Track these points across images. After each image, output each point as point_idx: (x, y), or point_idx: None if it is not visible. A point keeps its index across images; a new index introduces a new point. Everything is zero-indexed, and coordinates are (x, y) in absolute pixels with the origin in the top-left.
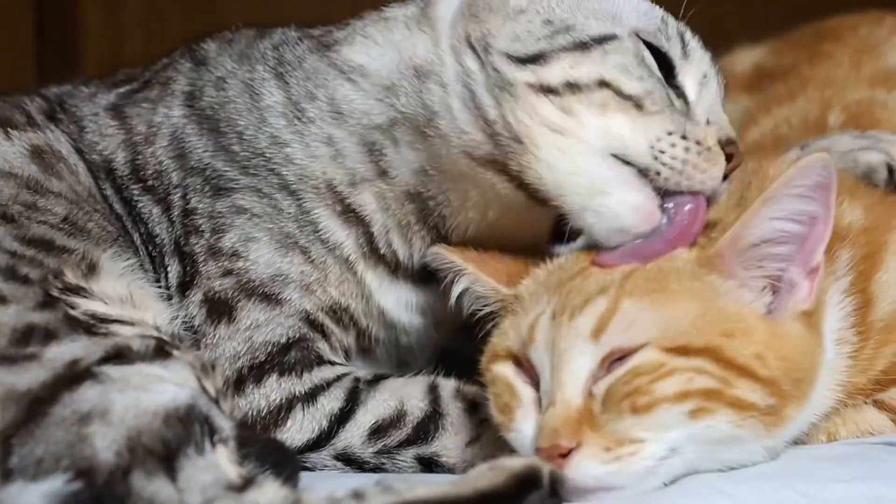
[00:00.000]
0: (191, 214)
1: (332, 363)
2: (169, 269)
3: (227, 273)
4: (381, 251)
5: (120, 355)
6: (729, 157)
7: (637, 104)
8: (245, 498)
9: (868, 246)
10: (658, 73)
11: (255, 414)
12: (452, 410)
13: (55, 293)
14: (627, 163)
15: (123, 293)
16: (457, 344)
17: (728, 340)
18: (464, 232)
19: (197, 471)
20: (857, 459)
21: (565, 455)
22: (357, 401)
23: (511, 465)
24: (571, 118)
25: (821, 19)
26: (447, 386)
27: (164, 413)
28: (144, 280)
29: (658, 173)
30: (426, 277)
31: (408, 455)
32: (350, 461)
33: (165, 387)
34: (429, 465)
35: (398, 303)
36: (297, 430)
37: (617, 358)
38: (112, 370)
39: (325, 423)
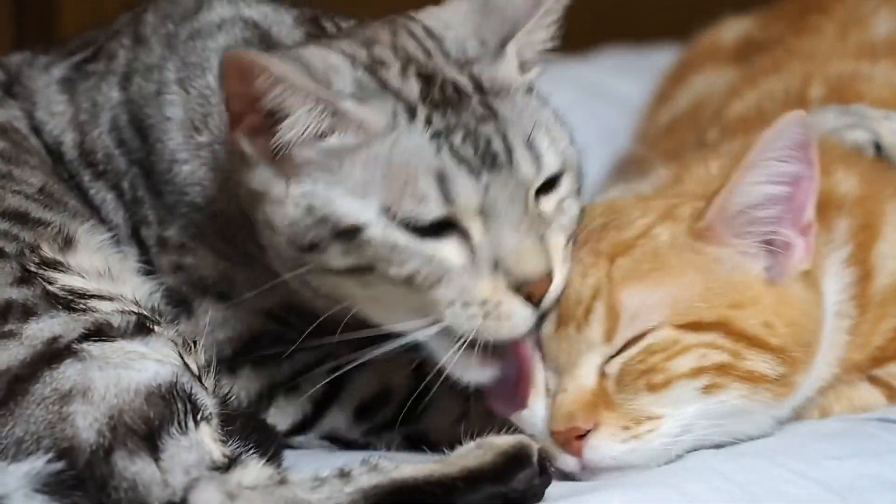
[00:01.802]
0: (138, 203)
1: (308, 348)
2: (128, 255)
3: (178, 268)
4: None
5: (100, 332)
6: (530, 296)
7: (409, 284)
8: (229, 477)
9: (865, 216)
10: (420, 246)
11: (236, 403)
12: (438, 388)
13: (32, 268)
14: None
15: (101, 266)
16: None
17: (737, 311)
18: None
19: (180, 450)
20: (851, 436)
21: (582, 436)
22: (340, 382)
23: (499, 443)
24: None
25: None
26: (432, 364)
27: (146, 391)
28: (122, 254)
29: (463, 336)
30: None
31: (395, 434)
32: (338, 442)
33: (147, 364)
34: (417, 443)
35: None
36: (280, 416)
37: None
38: (92, 347)
39: (308, 407)
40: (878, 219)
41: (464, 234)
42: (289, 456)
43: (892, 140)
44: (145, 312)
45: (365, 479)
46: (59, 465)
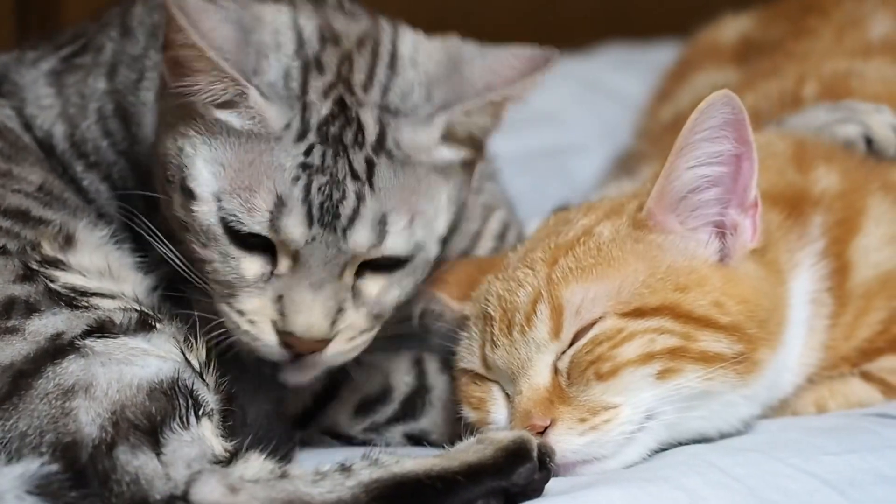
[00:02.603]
0: (129, 194)
1: None
2: (126, 246)
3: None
4: None
5: (103, 328)
6: (288, 344)
7: (203, 262)
8: (231, 471)
9: (844, 211)
10: (226, 246)
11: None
12: (439, 384)
13: (34, 266)
14: None
15: (101, 265)
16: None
17: (683, 294)
18: None
19: (182, 444)
20: (848, 431)
21: (541, 433)
22: (341, 378)
23: (499, 438)
24: None
25: None
26: (432, 360)
27: (148, 386)
28: (121, 251)
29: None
30: None
31: (396, 432)
32: (338, 437)
33: (149, 360)
34: (418, 441)
35: None
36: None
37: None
38: (95, 344)
39: (309, 401)
40: (858, 214)
41: (271, 261)
42: None
43: (882, 132)
44: (147, 310)
45: (366, 474)
46: (54, 468)
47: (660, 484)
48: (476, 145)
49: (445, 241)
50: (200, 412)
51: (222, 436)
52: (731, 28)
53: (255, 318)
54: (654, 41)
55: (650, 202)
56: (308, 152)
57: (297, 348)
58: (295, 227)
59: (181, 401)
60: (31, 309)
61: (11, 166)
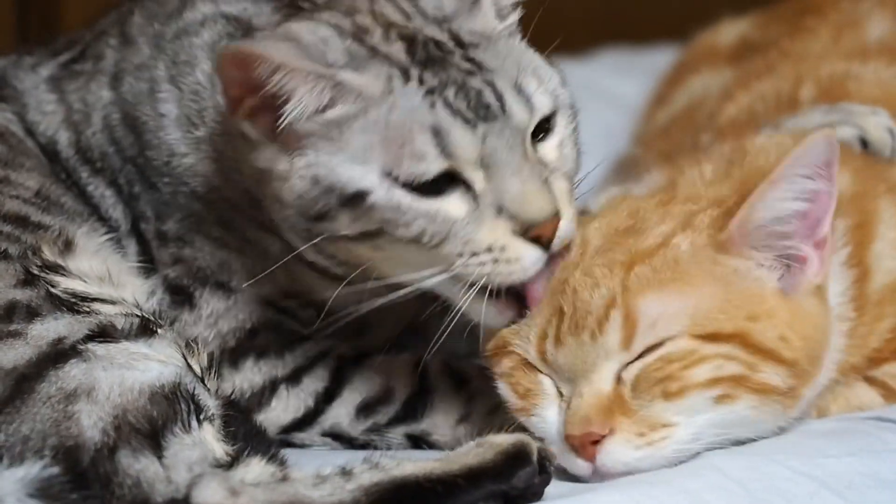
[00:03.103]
0: (135, 199)
1: (311, 339)
2: (128, 251)
3: (178, 260)
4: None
5: (104, 333)
6: (538, 238)
7: (417, 242)
8: (232, 475)
9: (859, 214)
10: (423, 205)
11: (238, 396)
12: (441, 387)
13: (35, 270)
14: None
15: (101, 271)
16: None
17: (754, 324)
18: None
19: (183, 448)
20: (848, 435)
21: (596, 441)
22: (343, 379)
23: (500, 441)
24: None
25: None
26: (434, 362)
27: (150, 391)
28: (120, 255)
29: (474, 283)
30: None
31: (397, 433)
32: (339, 439)
33: (150, 364)
34: (419, 443)
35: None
36: (282, 410)
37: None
38: (97, 348)
39: (310, 402)
40: (872, 217)
41: (466, 187)
42: (291, 454)
43: (878, 134)
44: (148, 315)
45: (366, 477)
46: (55, 471)
47: (662, 487)
48: (513, 7)
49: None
50: (202, 416)
51: (223, 440)
52: (730, 31)
53: (502, 242)
54: (652, 45)
55: (734, 226)
56: (421, 81)
57: (545, 237)
58: (464, 139)
59: (182, 405)
60: (32, 313)
61: (8, 172)
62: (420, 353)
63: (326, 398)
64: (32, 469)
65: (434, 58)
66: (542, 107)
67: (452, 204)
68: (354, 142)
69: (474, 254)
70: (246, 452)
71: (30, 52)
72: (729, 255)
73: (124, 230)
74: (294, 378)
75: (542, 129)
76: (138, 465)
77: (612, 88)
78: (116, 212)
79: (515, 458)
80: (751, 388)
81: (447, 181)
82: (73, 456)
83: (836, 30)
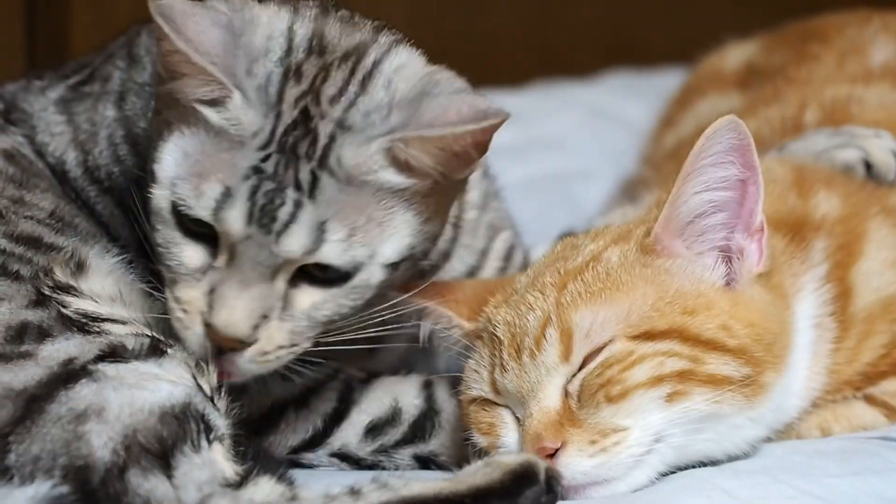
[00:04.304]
0: (142, 217)
1: (318, 364)
2: (138, 270)
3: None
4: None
5: (115, 353)
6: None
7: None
8: (241, 494)
9: (845, 235)
10: (171, 233)
11: (246, 417)
12: (448, 407)
13: (47, 291)
14: None
15: (112, 291)
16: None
17: (691, 318)
18: None
19: (193, 468)
20: (852, 454)
21: (552, 456)
22: (350, 400)
23: (507, 461)
24: None
25: (811, 14)
26: (441, 383)
27: (160, 411)
28: (133, 276)
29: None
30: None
31: (405, 454)
32: (347, 459)
33: (160, 385)
34: (427, 463)
35: None
36: (290, 432)
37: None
38: (107, 368)
39: (319, 423)
40: (859, 238)
41: (211, 254)
42: (299, 475)
43: (881, 157)
44: (158, 335)
45: (375, 497)
46: (64, 490)
47: None
48: (432, 176)
49: (395, 268)
50: (212, 436)
51: (233, 459)
52: (735, 55)
53: (187, 308)
54: (659, 68)
55: (657, 227)
56: (265, 159)
57: (217, 343)
58: (235, 221)
59: (192, 425)
60: (43, 334)
61: (24, 193)
62: (427, 375)
63: (335, 419)
64: (42, 488)
65: (294, 153)
66: (328, 257)
67: (192, 251)
68: (189, 140)
69: (176, 299)
70: (255, 472)
71: (39, 75)
72: (658, 256)
73: (133, 249)
74: (302, 400)
75: (320, 279)
76: (148, 485)
77: (618, 111)
78: (125, 231)
79: (523, 477)
80: (701, 381)
81: (203, 234)
82: (83, 476)
83: (841, 55)
